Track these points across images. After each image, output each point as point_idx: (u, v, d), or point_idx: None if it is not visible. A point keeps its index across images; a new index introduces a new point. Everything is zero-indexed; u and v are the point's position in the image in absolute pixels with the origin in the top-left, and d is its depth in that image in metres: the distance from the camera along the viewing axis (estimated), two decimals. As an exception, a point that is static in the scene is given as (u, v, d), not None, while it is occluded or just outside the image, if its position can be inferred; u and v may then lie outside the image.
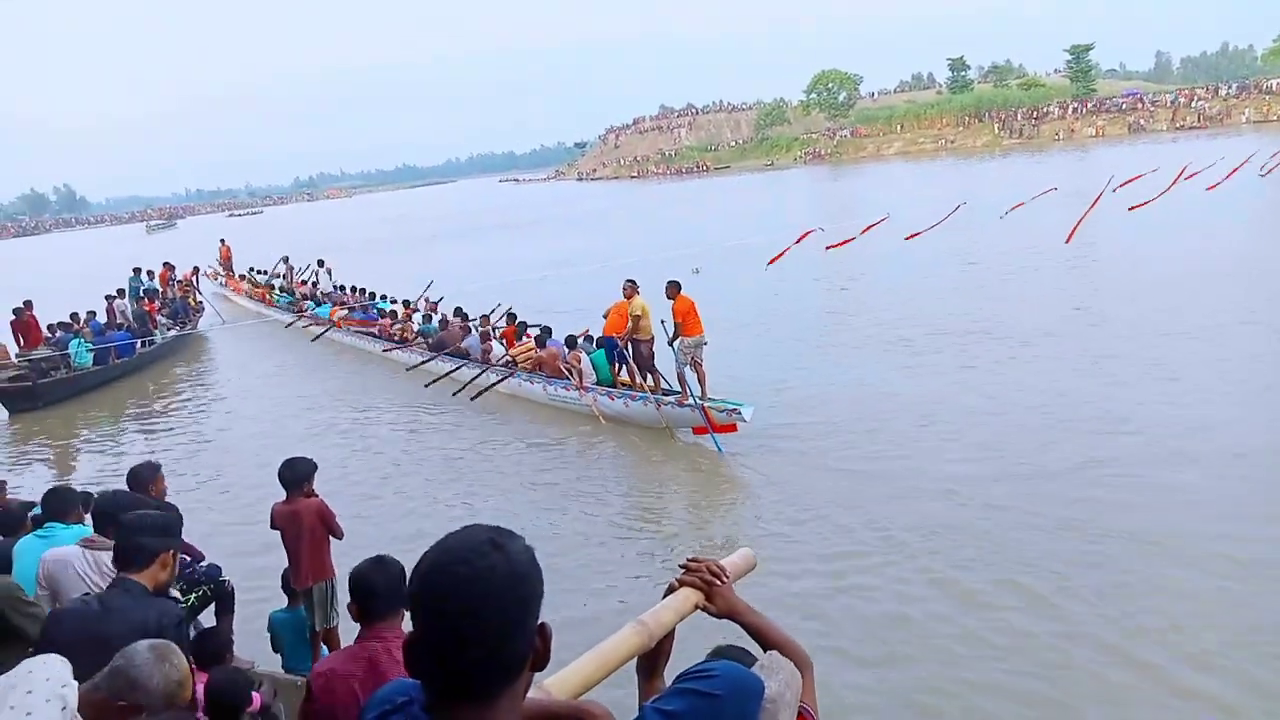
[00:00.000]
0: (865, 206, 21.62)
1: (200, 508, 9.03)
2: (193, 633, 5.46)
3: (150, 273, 23.82)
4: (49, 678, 1.95)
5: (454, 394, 13.09)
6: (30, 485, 10.57)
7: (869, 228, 15.15)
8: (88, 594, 3.54)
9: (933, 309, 15.97)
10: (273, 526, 5.57)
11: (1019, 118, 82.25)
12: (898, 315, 15.96)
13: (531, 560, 1.21)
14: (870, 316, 16.24)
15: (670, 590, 1.66)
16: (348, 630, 5.71)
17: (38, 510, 6.22)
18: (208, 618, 5.67)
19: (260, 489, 8.92)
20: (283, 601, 5.93)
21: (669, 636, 1.61)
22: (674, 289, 11.09)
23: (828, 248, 15.18)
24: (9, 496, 7.74)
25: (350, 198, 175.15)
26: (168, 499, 5.57)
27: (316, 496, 5.53)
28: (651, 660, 1.61)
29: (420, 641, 1.17)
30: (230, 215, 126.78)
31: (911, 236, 18.87)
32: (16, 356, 16.37)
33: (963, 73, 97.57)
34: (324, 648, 5.65)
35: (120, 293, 20.93)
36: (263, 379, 17.05)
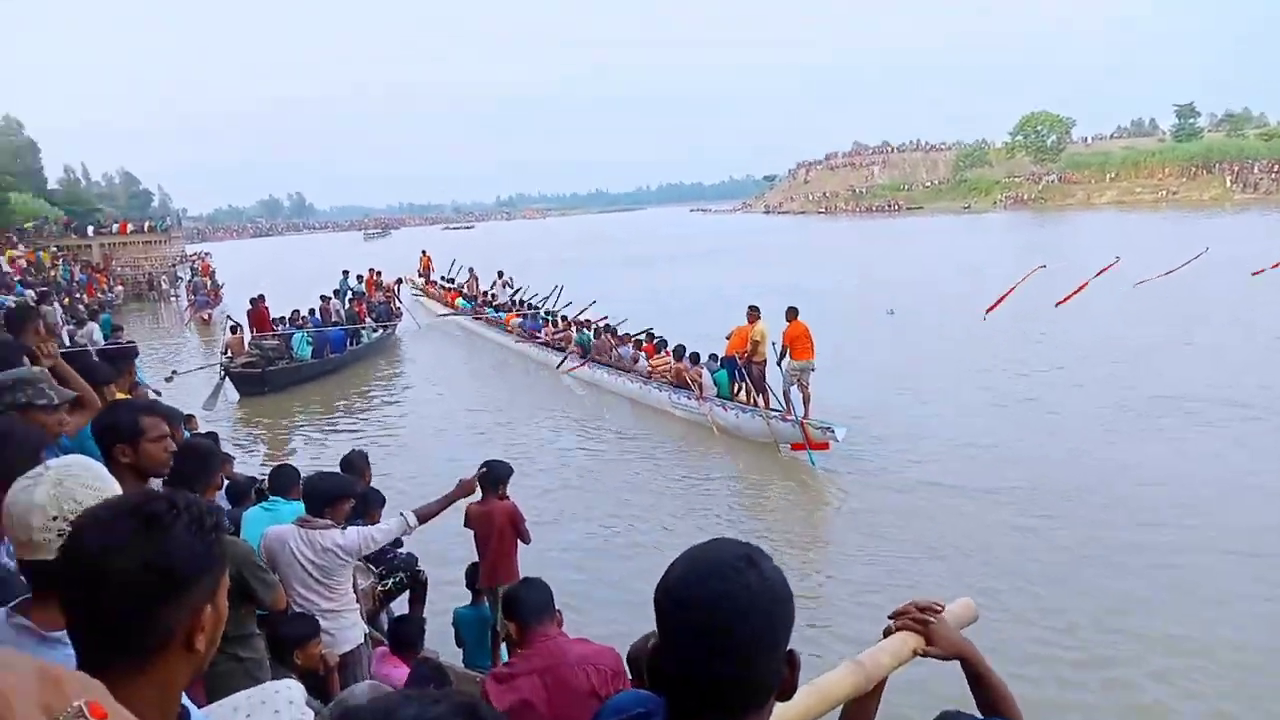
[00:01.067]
0: (1084, 255, 20.06)
1: (398, 497, 9.54)
2: (386, 619, 5.78)
3: (359, 276, 25.90)
4: (292, 701, 2.11)
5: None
6: (251, 462, 11.61)
7: (1101, 272, 14.01)
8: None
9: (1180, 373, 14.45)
10: (465, 525, 5.80)
11: (1256, 170, 74.80)
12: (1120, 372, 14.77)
13: (784, 582, 1.18)
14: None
15: (886, 634, 1.58)
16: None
17: (263, 484, 6.86)
18: (400, 605, 5.98)
19: (443, 482, 9.57)
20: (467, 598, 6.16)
21: (879, 686, 1.52)
22: (791, 314, 12.18)
23: (1057, 304, 14.19)
24: (233, 470, 8.58)
25: (544, 218, 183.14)
26: (372, 485, 5.94)
27: (509, 499, 5.72)
28: (861, 712, 1.52)
29: (667, 654, 1.15)
30: (445, 229, 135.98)
31: (1141, 282, 16.13)
32: (249, 346, 18.04)
33: (1191, 120, 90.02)
34: (504, 649, 5.80)
35: (335, 293, 23.04)
36: (448, 380, 18.32)
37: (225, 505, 6.58)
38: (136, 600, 1.11)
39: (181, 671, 1.18)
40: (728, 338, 13.42)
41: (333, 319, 20.96)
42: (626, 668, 3.11)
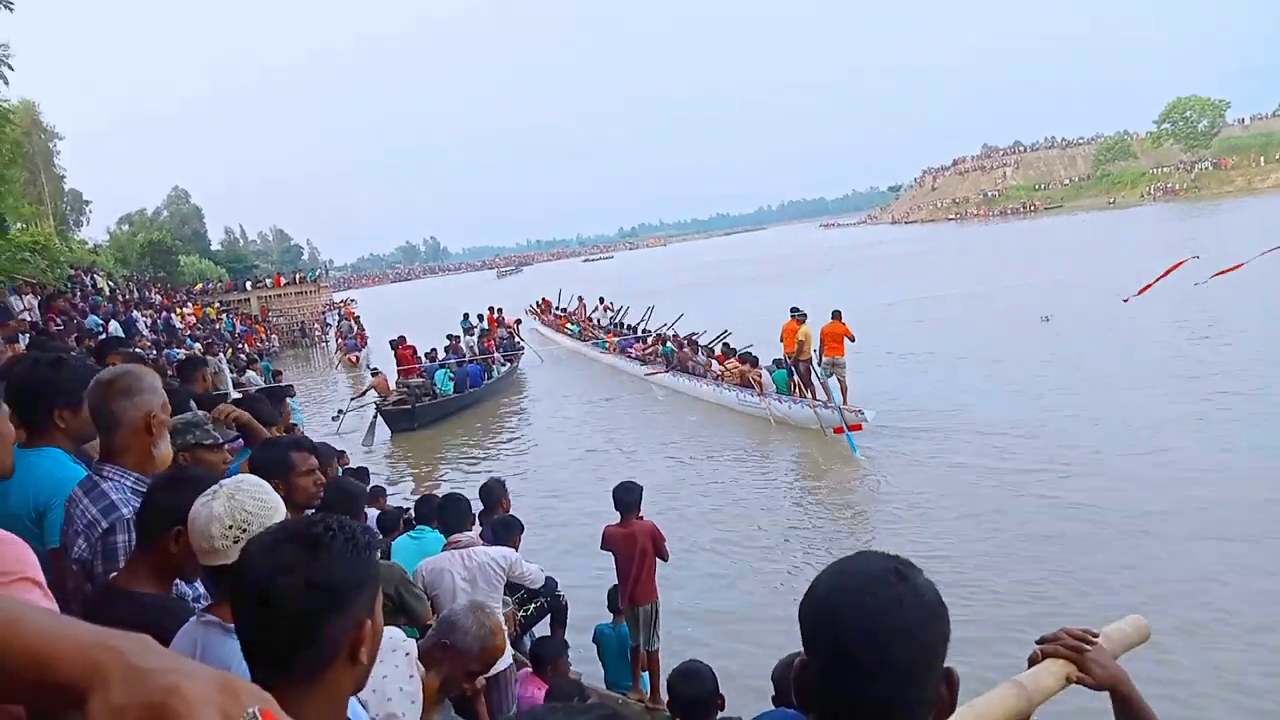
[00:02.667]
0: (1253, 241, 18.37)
1: (537, 521, 9.77)
2: (528, 642, 5.90)
3: (480, 315, 26.89)
4: (409, 653, 2.55)
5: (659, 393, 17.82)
6: (400, 495, 12.15)
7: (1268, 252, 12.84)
8: None
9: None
10: (604, 547, 5.84)
11: None
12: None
13: (937, 595, 1.12)
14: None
15: (1032, 662, 1.45)
16: (671, 653, 5.85)
17: (410, 514, 7.18)
18: (541, 629, 6.08)
19: (571, 507, 10.82)
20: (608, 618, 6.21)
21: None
22: (835, 315, 14.54)
23: (1212, 276, 13.11)
24: (385, 502, 9.01)
25: (665, 245, 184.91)
26: (513, 513, 6.07)
27: (645, 519, 5.74)
28: None
29: (815, 674, 1.11)
30: (585, 260, 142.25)
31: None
32: (396, 385, 18.95)
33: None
34: (645, 674, 5.82)
35: (468, 330, 23.97)
36: (568, 407, 18.99)
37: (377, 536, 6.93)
38: (303, 617, 1.19)
39: (347, 683, 1.25)
40: (781, 340, 15.05)
41: (465, 356, 21.82)
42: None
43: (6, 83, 19.85)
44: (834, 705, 1.10)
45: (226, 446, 3.73)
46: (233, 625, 1.27)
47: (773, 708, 2.69)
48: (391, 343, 20.92)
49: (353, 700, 1.62)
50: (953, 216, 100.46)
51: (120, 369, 2.59)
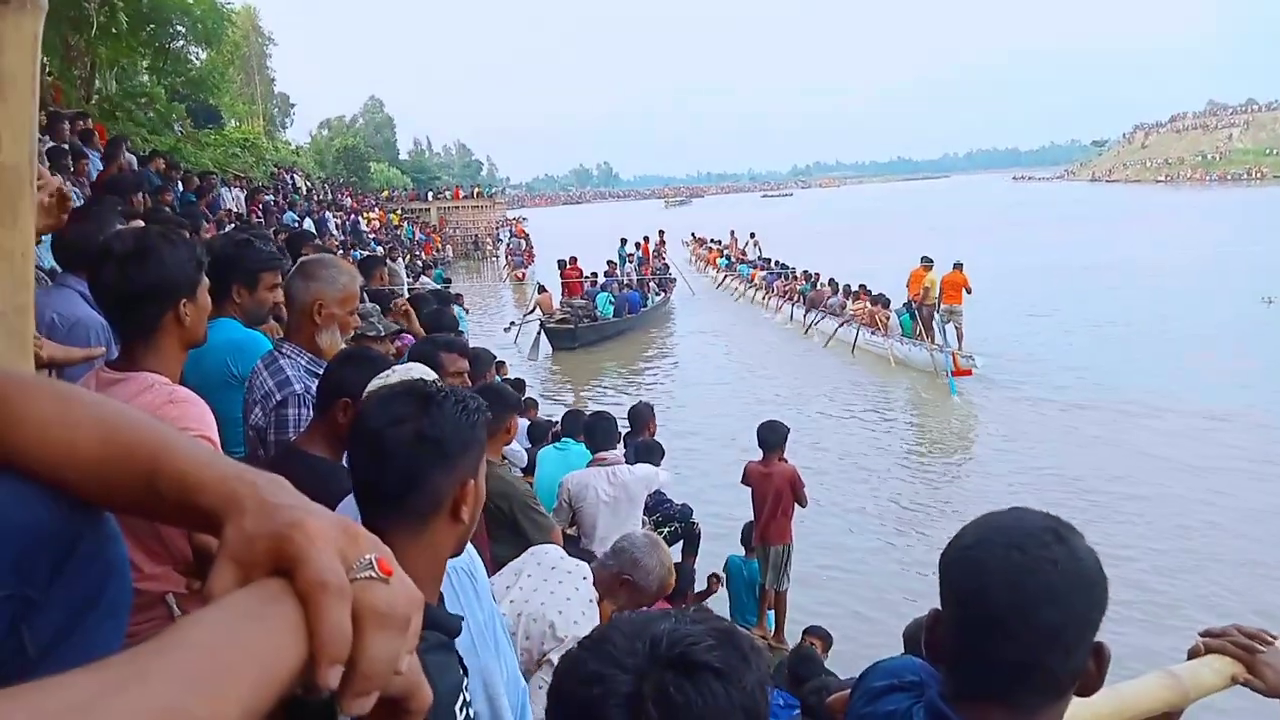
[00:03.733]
0: None
1: (678, 450, 9.89)
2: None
3: (638, 243, 26.86)
4: (585, 577, 2.55)
5: (804, 331, 18.87)
6: (553, 409, 12.60)
7: None
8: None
9: None
10: (744, 482, 5.85)
11: None
12: None
13: (1097, 562, 1.02)
14: None
15: (1192, 655, 1.35)
16: (800, 600, 5.85)
17: (557, 427, 7.41)
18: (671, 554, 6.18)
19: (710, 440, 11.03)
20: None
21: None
22: (956, 266, 15.25)
23: None
24: (537, 414, 9.36)
25: (839, 187, 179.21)
26: (656, 438, 6.15)
27: (788, 462, 5.69)
28: None
29: (951, 629, 1.05)
30: (764, 196, 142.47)
31: None
32: (560, 304, 19.52)
33: None
34: (770, 613, 5.83)
35: (625, 257, 24.49)
36: (714, 339, 19.53)
37: (526, 445, 7.20)
38: (412, 466, 1.27)
39: (448, 540, 1.33)
40: (907, 285, 15.92)
41: (624, 281, 22.11)
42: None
43: (231, -14, 21.19)
44: (969, 661, 1.04)
45: (395, 343, 3.94)
46: None
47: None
48: (560, 263, 21.56)
49: (500, 615, 1.70)
50: (1162, 179, 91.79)
51: (316, 256, 2.74)
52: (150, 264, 1.69)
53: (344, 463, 2.31)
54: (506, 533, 3.45)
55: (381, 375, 1.93)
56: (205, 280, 1.81)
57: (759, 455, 5.80)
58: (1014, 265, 26.01)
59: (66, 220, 3.10)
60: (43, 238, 2.43)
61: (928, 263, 15.55)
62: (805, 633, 5.14)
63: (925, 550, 7.25)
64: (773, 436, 5.61)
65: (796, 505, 5.71)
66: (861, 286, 18.40)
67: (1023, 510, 1.07)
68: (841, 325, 17.23)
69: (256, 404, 2.46)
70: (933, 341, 14.48)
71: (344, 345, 2.63)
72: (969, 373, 13.38)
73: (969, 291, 15.12)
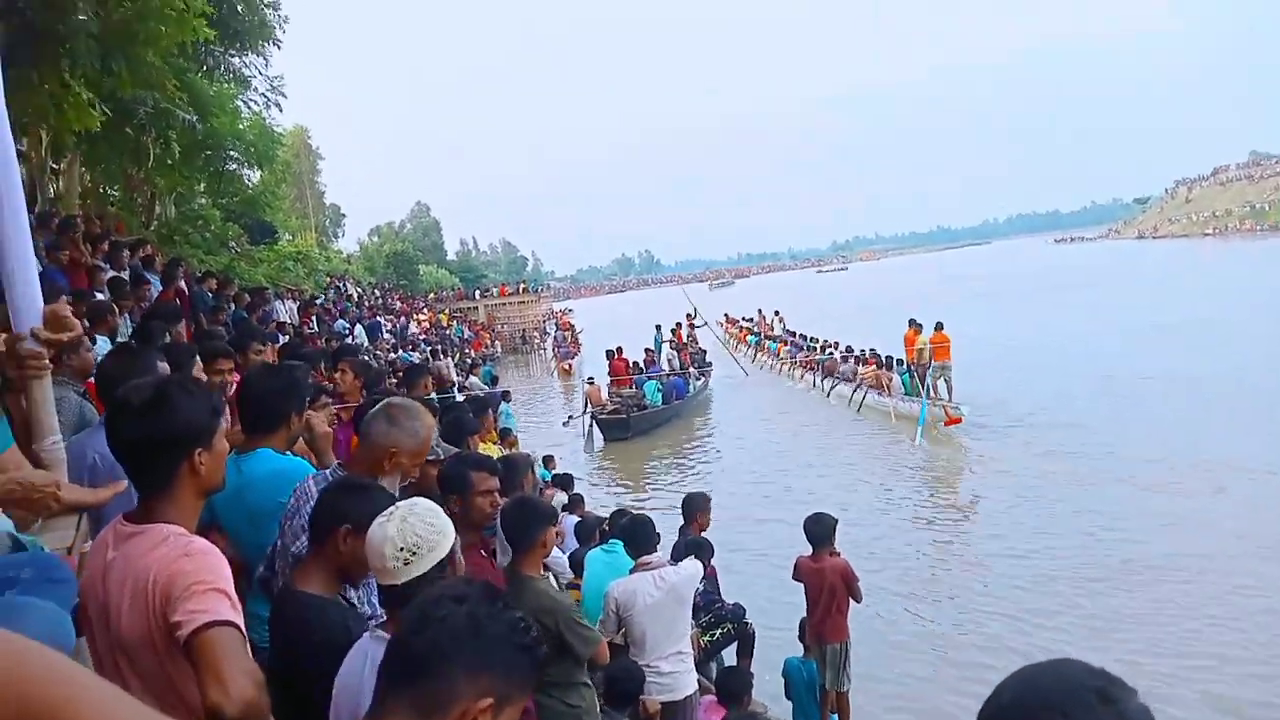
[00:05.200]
0: None
1: (730, 541, 9.66)
2: (715, 669, 5.79)
3: (672, 329, 27.05)
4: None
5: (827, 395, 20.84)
6: (609, 499, 12.55)
7: None
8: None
9: None
10: (795, 578, 5.65)
11: None
12: None
13: None
14: None
15: None
16: (863, 699, 5.56)
17: (606, 525, 7.28)
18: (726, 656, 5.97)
19: (763, 519, 11.27)
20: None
21: None
22: (937, 326, 17.17)
23: None
24: (586, 509, 9.23)
25: (879, 260, 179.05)
26: (706, 535, 5.99)
27: (840, 555, 5.49)
28: None
29: None
30: (819, 271, 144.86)
31: None
32: (609, 395, 19.59)
33: None
34: (834, 715, 5.55)
35: (661, 343, 24.82)
36: (754, 421, 19.65)
37: (574, 544, 7.08)
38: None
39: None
40: (904, 345, 18.16)
41: (663, 369, 22.30)
42: None
43: (281, 110, 22.31)
44: None
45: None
46: None
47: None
48: (608, 353, 21.87)
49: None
50: (1210, 231, 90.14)
51: (403, 402, 2.72)
52: (165, 415, 1.70)
53: (342, 595, 2.28)
54: (552, 650, 3.34)
55: (385, 514, 1.91)
56: (223, 425, 1.81)
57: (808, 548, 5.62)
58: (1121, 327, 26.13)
59: (110, 359, 3.21)
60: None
61: (916, 326, 17.82)
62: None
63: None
64: (817, 529, 5.43)
65: (851, 601, 5.49)
66: (872, 351, 20.33)
67: (1067, 664, 0.97)
68: (854, 389, 19.39)
69: (303, 530, 2.37)
70: (930, 396, 16.09)
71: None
72: (959, 420, 15.15)
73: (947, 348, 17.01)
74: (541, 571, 3.63)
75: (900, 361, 18.33)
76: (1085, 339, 24.67)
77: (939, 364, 16.72)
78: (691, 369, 22.87)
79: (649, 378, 20.50)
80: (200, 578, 1.57)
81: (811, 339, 26.15)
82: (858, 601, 5.51)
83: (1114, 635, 7.25)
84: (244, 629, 1.60)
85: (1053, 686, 0.93)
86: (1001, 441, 14.50)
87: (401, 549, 1.84)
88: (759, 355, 29.43)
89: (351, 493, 2.19)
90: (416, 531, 1.86)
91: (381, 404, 2.62)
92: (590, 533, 7.05)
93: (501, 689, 1.19)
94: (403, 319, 32.84)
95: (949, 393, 16.53)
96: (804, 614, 5.78)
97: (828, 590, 5.39)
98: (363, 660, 1.81)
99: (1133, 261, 62.68)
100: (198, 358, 3.83)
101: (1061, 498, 11.24)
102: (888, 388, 17.92)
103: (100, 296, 7.92)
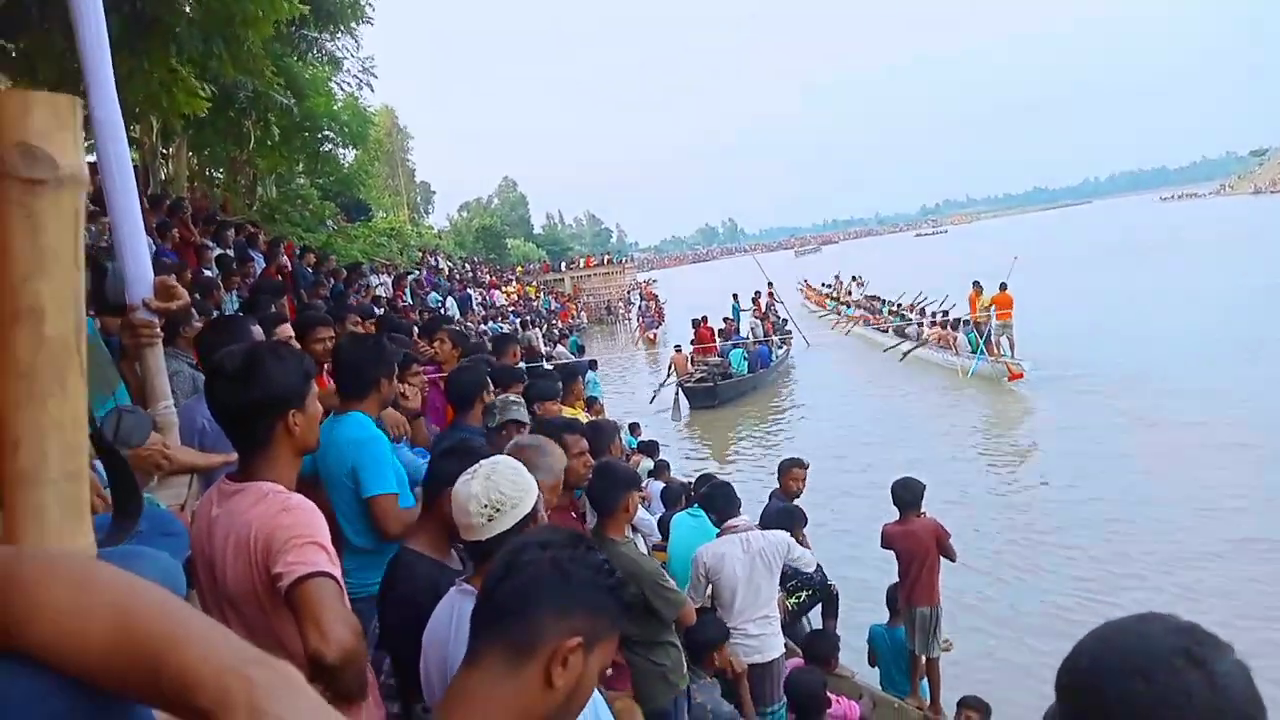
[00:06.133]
0: None
1: (818, 509, 9.58)
2: (800, 630, 5.79)
3: (752, 298, 26.58)
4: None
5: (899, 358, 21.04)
6: (697, 466, 12.60)
7: None
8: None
9: None
10: (884, 545, 5.57)
11: None
12: None
13: (1247, 687, 0.84)
14: None
15: None
16: (953, 664, 5.47)
17: (691, 489, 7.32)
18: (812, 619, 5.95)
19: (853, 484, 11.05)
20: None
21: None
22: (1001, 287, 17.90)
23: None
24: (671, 476, 9.29)
25: (971, 224, 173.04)
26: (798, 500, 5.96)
27: (928, 515, 5.40)
28: None
29: None
30: (918, 235, 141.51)
31: None
32: (695, 363, 19.59)
33: None
34: (924, 681, 5.48)
35: (751, 312, 24.80)
36: (835, 386, 19.68)
37: (660, 509, 7.14)
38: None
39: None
40: (969, 304, 18.97)
41: (745, 337, 22.11)
42: None
43: (372, 90, 22.90)
44: None
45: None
46: None
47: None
48: (694, 321, 21.89)
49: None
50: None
51: (533, 441, 2.76)
52: (258, 380, 1.78)
53: (451, 554, 2.36)
54: (638, 612, 3.39)
55: (470, 471, 1.96)
56: (314, 388, 1.89)
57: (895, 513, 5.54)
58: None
59: (211, 328, 3.39)
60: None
61: (978, 287, 18.76)
62: (960, 705, 4.79)
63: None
64: (906, 494, 5.32)
65: (945, 559, 5.38)
66: (944, 312, 21.75)
67: (1150, 621, 0.90)
68: (918, 346, 20.75)
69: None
70: (993, 353, 17.36)
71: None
72: (1021, 375, 16.10)
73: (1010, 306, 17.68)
74: (628, 534, 3.68)
75: (966, 322, 19.12)
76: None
77: (1001, 323, 17.61)
78: (774, 337, 22.70)
79: (734, 345, 20.40)
80: (299, 531, 1.65)
81: (886, 301, 27.06)
82: (951, 560, 5.39)
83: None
84: (341, 581, 1.68)
85: (1133, 647, 0.88)
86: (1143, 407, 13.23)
87: (485, 505, 1.89)
88: (837, 318, 30.36)
89: (453, 456, 2.26)
90: (500, 489, 1.91)
91: (510, 448, 2.62)
92: (676, 498, 7.09)
93: (589, 629, 1.21)
94: (491, 291, 33.42)
95: (1011, 349, 17.41)
96: (891, 582, 5.71)
97: (921, 552, 5.29)
98: (449, 613, 1.88)
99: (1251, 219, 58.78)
100: (288, 324, 4.05)
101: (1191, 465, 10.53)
102: (954, 345, 19.07)
103: (208, 273, 8.38)
